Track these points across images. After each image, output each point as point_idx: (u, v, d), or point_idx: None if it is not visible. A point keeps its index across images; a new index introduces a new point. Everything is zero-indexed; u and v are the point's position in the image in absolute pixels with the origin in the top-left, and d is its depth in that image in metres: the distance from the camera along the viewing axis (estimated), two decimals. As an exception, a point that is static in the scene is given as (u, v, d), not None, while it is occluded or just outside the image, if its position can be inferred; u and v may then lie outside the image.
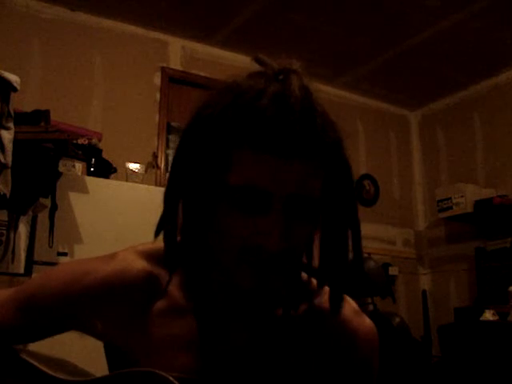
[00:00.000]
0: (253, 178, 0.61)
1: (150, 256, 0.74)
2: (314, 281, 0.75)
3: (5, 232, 2.33)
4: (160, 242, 0.70)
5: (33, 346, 0.82)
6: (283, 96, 0.61)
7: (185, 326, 0.71)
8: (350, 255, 0.69)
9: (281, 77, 0.63)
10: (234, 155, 0.62)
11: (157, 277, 0.73)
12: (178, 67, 3.71)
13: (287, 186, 0.61)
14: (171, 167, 0.69)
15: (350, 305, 0.76)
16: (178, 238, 0.70)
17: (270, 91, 0.61)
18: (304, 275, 0.76)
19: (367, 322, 0.76)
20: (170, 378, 0.62)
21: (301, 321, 0.73)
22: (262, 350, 0.71)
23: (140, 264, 0.74)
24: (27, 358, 0.73)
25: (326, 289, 0.72)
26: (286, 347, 0.71)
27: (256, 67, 0.68)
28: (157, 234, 0.69)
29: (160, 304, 0.72)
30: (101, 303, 0.73)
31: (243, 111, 0.61)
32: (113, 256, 0.76)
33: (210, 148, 0.63)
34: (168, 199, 0.69)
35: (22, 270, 2.34)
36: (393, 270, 4.20)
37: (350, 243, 0.69)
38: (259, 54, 0.68)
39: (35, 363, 0.72)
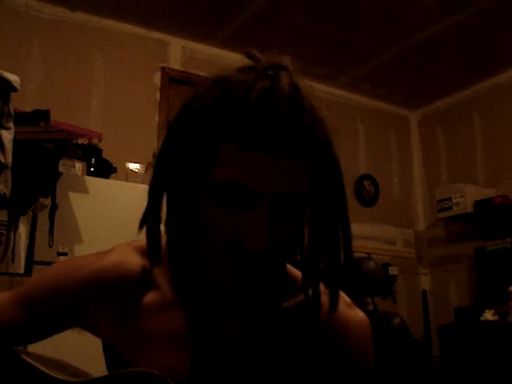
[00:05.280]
0: (238, 174, 0.60)
1: (144, 251, 0.74)
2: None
3: (5, 232, 2.33)
4: None
5: (32, 348, 0.82)
6: (272, 92, 0.60)
7: (175, 320, 0.71)
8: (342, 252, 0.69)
9: (270, 72, 0.63)
10: (220, 150, 0.61)
11: (151, 271, 0.73)
12: (178, 67, 3.71)
13: (273, 184, 0.61)
14: (156, 160, 0.69)
15: (342, 298, 0.75)
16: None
17: (258, 86, 0.60)
18: (295, 270, 0.76)
19: (360, 314, 0.76)
20: (169, 380, 0.62)
21: (292, 314, 0.73)
22: (252, 345, 0.71)
23: (135, 258, 0.74)
24: (27, 359, 0.73)
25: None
26: (277, 341, 0.71)
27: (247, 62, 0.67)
28: (141, 227, 0.69)
29: (151, 298, 0.72)
30: (96, 297, 0.73)
31: (231, 105, 0.60)
32: (108, 251, 0.76)
33: (196, 141, 0.63)
34: (152, 192, 0.68)
35: (22, 270, 2.34)
36: (393, 270, 4.20)
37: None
38: (250, 49, 0.68)
39: (35, 364, 0.72)
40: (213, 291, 0.71)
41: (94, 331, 0.75)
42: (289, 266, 0.76)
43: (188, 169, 0.64)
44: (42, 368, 0.71)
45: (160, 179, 0.68)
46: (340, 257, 0.68)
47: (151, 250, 0.69)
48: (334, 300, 0.69)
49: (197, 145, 0.63)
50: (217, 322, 0.72)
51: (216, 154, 0.61)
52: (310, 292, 0.71)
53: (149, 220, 0.68)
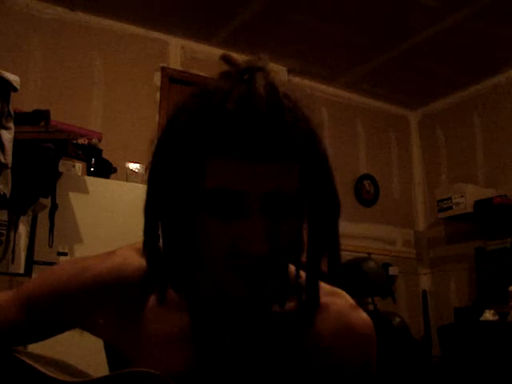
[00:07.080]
0: (227, 182, 0.60)
1: None
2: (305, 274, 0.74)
3: (5, 232, 2.33)
4: None
5: (33, 347, 0.82)
6: (248, 97, 0.59)
7: (178, 322, 0.71)
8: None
9: (245, 76, 0.62)
10: (206, 162, 0.61)
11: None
12: (178, 67, 3.71)
13: (262, 186, 0.60)
14: (148, 179, 0.68)
15: (346, 299, 0.75)
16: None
17: (234, 94, 0.60)
18: (297, 270, 0.76)
19: (363, 316, 0.75)
20: (169, 380, 0.62)
21: (295, 316, 0.72)
22: (255, 347, 0.71)
23: (137, 261, 0.74)
24: (26, 359, 0.73)
25: (321, 283, 0.71)
26: (280, 343, 0.71)
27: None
28: (145, 248, 0.69)
29: (154, 301, 0.72)
30: (98, 299, 0.73)
31: (210, 117, 0.60)
32: (110, 253, 0.76)
33: (183, 156, 0.62)
34: (148, 213, 0.68)
35: (22, 270, 2.34)
36: (393, 270, 4.20)
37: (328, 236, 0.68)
38: (226, 54, 0.67)
39: (34, 364, 0.72)
40: (216, 300, 0.71)
41: (95, 332, 0.75)
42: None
43: (179, 185, 0.64)
44: (41, 368, 0.71)
45: (154, 199, 0.67)
46: (339, 251, 0.68)
47: (153, 273, 0.69)
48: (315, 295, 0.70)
49: (184, 160, 0.62)
50: (220, 325, 0.71)
51: (203, 167, 0.61)
52: (309, 293, 0.70)
53: (147, 241, 0.68)
